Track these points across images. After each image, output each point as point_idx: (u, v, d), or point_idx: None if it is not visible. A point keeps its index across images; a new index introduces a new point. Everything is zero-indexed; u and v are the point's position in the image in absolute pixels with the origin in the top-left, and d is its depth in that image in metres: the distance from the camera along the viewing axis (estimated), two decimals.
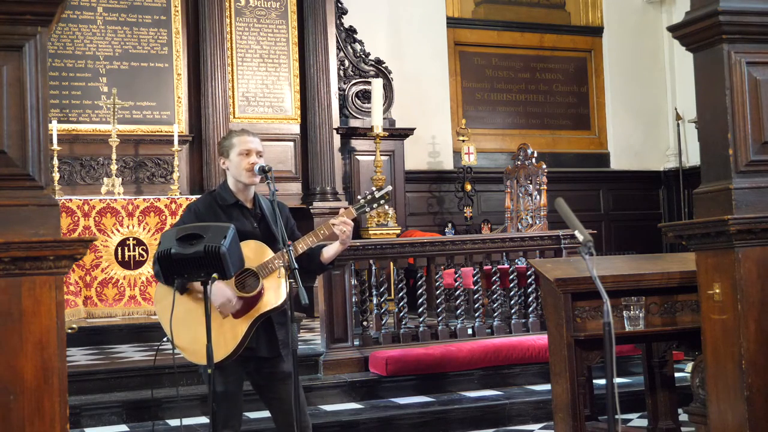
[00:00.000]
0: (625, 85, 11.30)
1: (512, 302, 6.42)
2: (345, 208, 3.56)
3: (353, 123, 9.15)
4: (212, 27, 8.37)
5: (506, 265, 6.60)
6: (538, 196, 7.87)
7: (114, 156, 7.82)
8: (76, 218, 7.19)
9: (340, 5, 9.18)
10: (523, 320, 6.36)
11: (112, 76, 8.25)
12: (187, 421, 4.97)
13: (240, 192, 3.61)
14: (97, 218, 7.27)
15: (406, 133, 9.39)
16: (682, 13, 3.59)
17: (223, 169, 3.65)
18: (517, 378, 5.90)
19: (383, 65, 9.42)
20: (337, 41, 9.04)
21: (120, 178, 7.91)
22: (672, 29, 3.53)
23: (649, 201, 11.38)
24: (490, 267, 6.42)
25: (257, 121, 8.50)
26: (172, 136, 8.03)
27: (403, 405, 5.38)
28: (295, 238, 3.60)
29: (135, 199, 7.48)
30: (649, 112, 11.38)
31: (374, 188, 3.66)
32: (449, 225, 9.85)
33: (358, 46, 9.35)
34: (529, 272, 6.40)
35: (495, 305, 6.36)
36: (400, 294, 6.15)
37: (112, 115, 7.90)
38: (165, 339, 3.38)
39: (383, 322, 6.19)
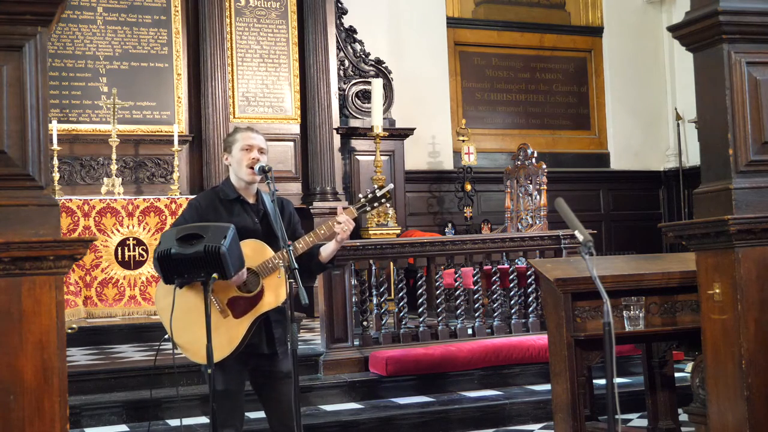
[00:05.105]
0: (625, 85, 11.30)
1: (512, 302, 6.42)
2: (345, 208, 3.53)
3: (353, 123, 9.15)
4: (212, 27, 8.37)
5: (506, 265, 6.60)
6: (538, 196, 7.87)
7: (114, 156, 7.82)
8: (76, 218, 7.19)
9: (340, 5, 9.18)
10: (523, 320, 6.36)
11: (112, 76, 8.25)
12: (187, 421, 4.97)
13: (242, 188, 3.59)
14: (97, 218, 7.27)
15: (406, 133, 9.39)
16: (682, 13, 3.59)
17: (226, 165, 3.64)
18: (517, 378, 5.90)
19: (383, 65, 9.42)
20: (337, 41, 9.04)
21: (120, 178, 7.91)
22: (672, 29, 3.52)
23: (649, 201, 11.38)
24: (490, 267, 6.42)
25: (257, 121, 8.49)
26: (172, 136, 8.03)
27: (403, 405, 5.38)
28: (298, 236, 3.56)
29: (135, 199, 7.48)
30: (649, 112, 11.38)
31: (375, 187, 3.62)
32: (449, 225, 9.85)
33: (358, 46, 9.35)
34: (529, 272, 6.40)
35: (495, 305, 6.36)
36: (400, 294, 6.14)
37: (112, 115, 7.90)
38: (165, 337, 3.37)
39: (383, 322, 6.18)
